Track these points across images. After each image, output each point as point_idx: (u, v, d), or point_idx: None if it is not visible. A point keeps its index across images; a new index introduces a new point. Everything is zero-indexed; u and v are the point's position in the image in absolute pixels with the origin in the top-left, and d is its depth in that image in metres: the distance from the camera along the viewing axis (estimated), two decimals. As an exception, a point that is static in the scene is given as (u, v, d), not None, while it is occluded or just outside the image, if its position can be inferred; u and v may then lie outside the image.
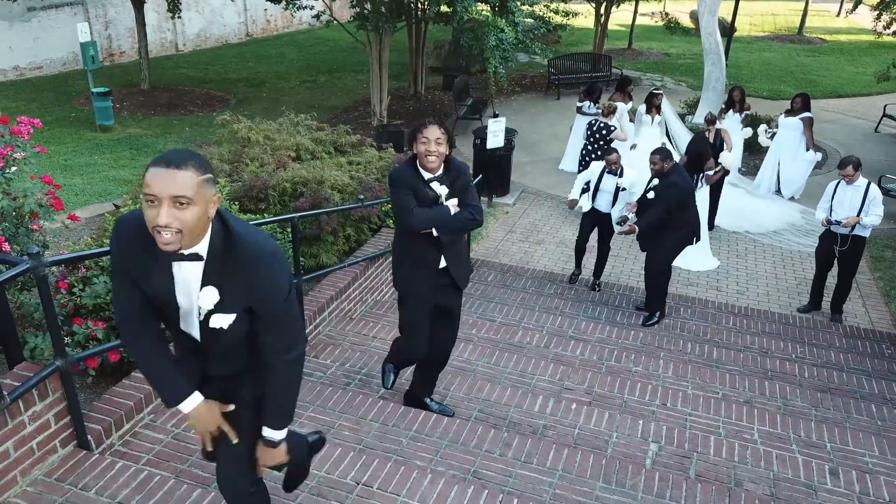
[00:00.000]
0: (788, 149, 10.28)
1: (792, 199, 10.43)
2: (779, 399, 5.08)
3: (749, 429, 4.54)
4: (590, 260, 7.61)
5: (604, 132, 9.08)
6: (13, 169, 3.34)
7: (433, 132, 3.42)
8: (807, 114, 10.02)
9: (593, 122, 9.29)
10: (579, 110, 10.81)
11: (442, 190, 3.55)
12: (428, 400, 4.32)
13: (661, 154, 6.09)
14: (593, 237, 7.33)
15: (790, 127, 10.18)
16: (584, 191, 7.06)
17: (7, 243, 3.25)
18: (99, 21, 16.61)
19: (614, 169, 6.81)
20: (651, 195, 6.20)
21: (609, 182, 6.86)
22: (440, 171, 3.54)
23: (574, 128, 11.22)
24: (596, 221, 7.14)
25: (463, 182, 3.64)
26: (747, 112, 10.42)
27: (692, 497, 3.57)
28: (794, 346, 6.19)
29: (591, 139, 9.21)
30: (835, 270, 7.08)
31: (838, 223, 6.63)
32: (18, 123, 3.46)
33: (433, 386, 4.35)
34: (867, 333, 6.74)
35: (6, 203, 3.19)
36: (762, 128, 10.63)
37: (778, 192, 10.58)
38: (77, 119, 12.60)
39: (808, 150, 10.14)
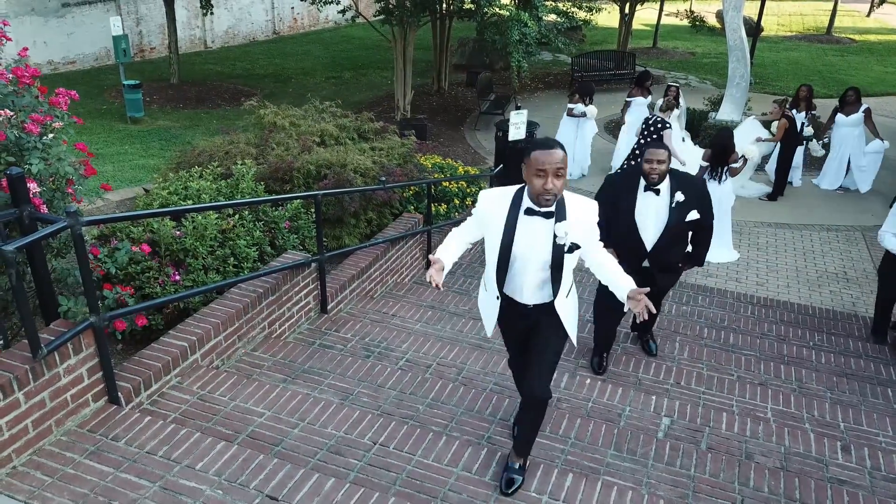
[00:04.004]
0: (856, 144, 10.15)
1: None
2: (794, 381, 5.10)
3: (763, 407, 4.58)
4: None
5: (658, 126, 9.00)
6: (50, 136, 3.51)
7: None
8: (865, 105, 9.95)
9: (650, 116, 9.18)
10: (570, 112, 10.60)
11: None
12: None
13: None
14: None
15: (852, 123, 10.03)
16: None
17: (45, 206, 3.42)
18: (131, 17, 17.00)
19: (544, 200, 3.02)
20: (695, 215, 4.48)
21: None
22: None
23: (561, 128, 10.88)
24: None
25: None
26: (813, 112, 10.31)
27: (702, 466, 3.63)
28: (811, 335, 6.19)
29: (646, 133, 9.09)
30: None
31: None
32: (57, 94, 3.64)
33: None
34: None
35: (42, 167, 3.37)
36: (815, 144, 10.54)
37: (848, 188, 10.56)
38: (108, 111, 12.92)
39: (876, 139, 10.00)
